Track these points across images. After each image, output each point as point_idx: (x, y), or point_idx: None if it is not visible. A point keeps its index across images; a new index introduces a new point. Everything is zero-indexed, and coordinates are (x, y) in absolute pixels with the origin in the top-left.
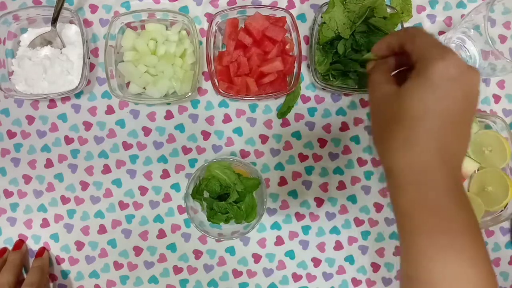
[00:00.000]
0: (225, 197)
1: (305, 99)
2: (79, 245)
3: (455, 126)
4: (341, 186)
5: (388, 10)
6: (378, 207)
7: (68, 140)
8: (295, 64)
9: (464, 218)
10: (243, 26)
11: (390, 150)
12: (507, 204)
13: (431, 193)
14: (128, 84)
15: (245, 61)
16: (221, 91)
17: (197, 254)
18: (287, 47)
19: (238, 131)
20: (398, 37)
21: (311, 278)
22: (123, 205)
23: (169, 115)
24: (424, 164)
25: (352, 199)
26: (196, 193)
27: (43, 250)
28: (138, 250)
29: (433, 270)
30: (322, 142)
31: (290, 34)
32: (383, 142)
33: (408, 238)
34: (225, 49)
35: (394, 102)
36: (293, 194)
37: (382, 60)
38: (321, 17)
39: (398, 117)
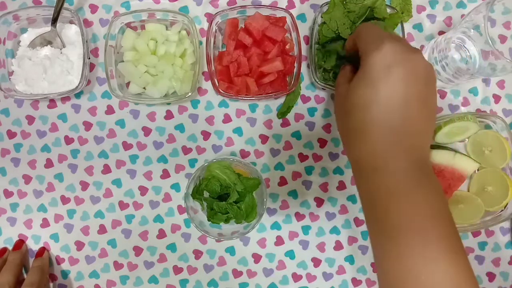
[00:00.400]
0: (225, 197)
1: (305, 99)
2: (79, 245)
3: (408, 108)
4: (341, 186)
5: (388, 10)
6: None
7: (68, 140)
8: (295, 64)
9: (432, 202)
10: (243, 26)
11: (349, 142)
12: (507, 204)
13: (391, 179)
14: (128, 84)
15: (245, 61)
16: (221, 91)
17: (197, 254)
18: (287, 47)
19: (238, 131)
20: (352, 35)
21: (311, 278)
22: (123, 205)
23: (169, 115)
24: (379, 151)
25: (352, 199)
26: (196, 193)
27: (43, 250)
28: (138, 250)
29: (398, 264)
30: (322, 142)
31: (290, 34)
32: (344, 136)
33: (373, 226)
34: (225, 49)
35: (345, 99)
36: (293, 194)
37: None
38: (321, 17)
39: (349, 112)
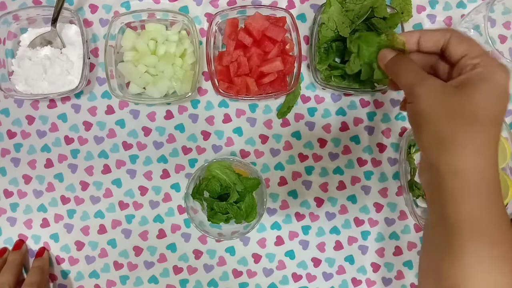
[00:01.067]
0: (225, 197)
1: (305, 99)
2: (79, 245)
3: (498, 130)
4: (341, 186)
5: (388, 10)
6: (378, 207)
7: (68, 140)
8: (295, 64)
9: (506, 228)
10: (243, 26)
11: (458, 150)
12: (507, 204)
13: (492, 204)
14: (128, 84)
15: (245, 61)
16: (221, 91)
17: (197, 254)
18: (287, 47)
19: (238, 131)
20: (444, 35)
21: (311, 278)
22: (123, 205)
23: (169, 115)
24: (488, 172)
25: (352, 199)
26: (196, 193)
27: (43, 250)
28: (138, 250)
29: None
30: (322, 142)
31: (290, 34)
32: (444, 138)
33: (459, 242)
34: (225, 49)
35: (455, 99)
36: (293, 194)
37: (406, 55)
38: (321, 17)
39: (469, 117)
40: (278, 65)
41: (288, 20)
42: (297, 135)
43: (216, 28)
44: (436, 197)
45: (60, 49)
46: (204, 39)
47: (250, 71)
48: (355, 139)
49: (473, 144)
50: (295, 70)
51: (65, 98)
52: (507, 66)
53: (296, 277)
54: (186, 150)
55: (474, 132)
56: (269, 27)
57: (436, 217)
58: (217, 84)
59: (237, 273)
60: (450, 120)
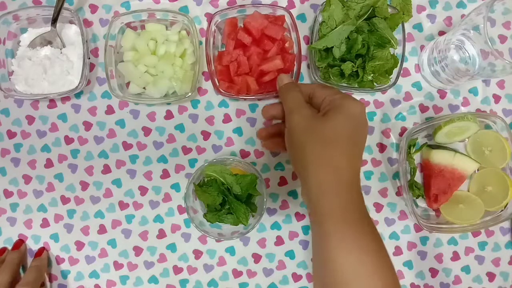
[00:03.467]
0: (225, 201)
1: None
2: (79, 245)
3: (354, 147)
4: None
5: (389, 10)
6: (378, 207)
7: (68, 140)
8: (295, 63)
9: (361, 213)
10: (242, 26)
11: (319, 167)
12: (507, 204)
13: (350, 198)
14: (128, 84)
15: (245, 60)
16: (222, 90)
17: (197, 254)
18: (286, 45)
19: (238, 131)
20: (308, 89)
21: (311, 278)
22: (123, 205)
23: (169, 115)
24: (345, 176)
25: None
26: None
27: (42, 250)
28: (138, 250)
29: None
30: None
31: (289, 33)
32: (303, 155)
33: (319, 227)
34: (224, 49)
35: (317, 125)
36: (293, 194)
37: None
38: (321, 15)
39: (328, 138)
40: (278, 63)
41: (287, 18)
42: None
43: (215, 28)
44: (310, 199)
45: (60, 49)
46: (204, 39)
47: (250, 70)
48: None
49: (331, 159)
50: (294, 68)
51: (65, 98)
52: (359, 100)
53: (296, 277)
54: (186, 150)
55: (331, 149)
56: (268, 26)
57: (312, 215)
58: (217, 84)
59: (237, 273)
60: (314, 143)
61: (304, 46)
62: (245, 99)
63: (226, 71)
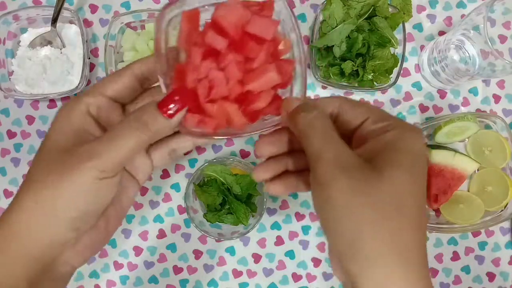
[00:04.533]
0: (225, 201)
1: None
2: None
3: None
4: None
5: (390, 9)
6: None
7: None
8: (297, 67)
9: None
10: (210, 21)
11: (370, 250)
12: (507, 204)
13: None
14: None
15: (220, 77)
16: (191, 130)
17: (197, 254)
18: (280, 47)
19: None
20: (333, 102)
21: (311, 278)
22: None
23: None
24: (405, 266)
25: None
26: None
27: None
28: (138, 250)
29: None
30: None
31: (284, 28)
32: (350, 232)
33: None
34: (185, 60)
35: (368, 186)
36: (293, 194)
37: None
38: (322, 14)
39: (376, 209)
40: (273, 76)
41: (278, 5)
42: None
43: (166, 26)
44: None
45: (60, 49)
46: None
47: (229, 92)
48: None
49: (397, 241)
50: (298, 76)
51: (65, 98)
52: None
53: (296, 277)
54: None
55: (395, 224)
56: (252, 20)
57: None
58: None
59: (237, 273)
60: (368, 215)
61: (304, 47)
62: (229, 138)
63: (193, 96)
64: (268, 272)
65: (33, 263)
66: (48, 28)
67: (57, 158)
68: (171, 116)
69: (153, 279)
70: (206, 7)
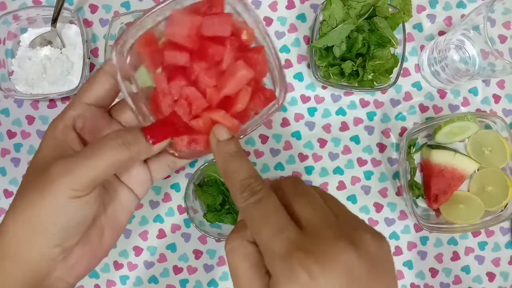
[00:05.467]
0: (225, 201)
1: (305, 99)
2: None
3: None
4: (341, 186)
5: (390, 9)
6: (378, 207)
7: None
8: (270, 55)
9: None
10: (164, 41)
11: None
12: (507, 204)
13: None
14: None
15: (194, 92)
16: (186, 153)
17: (197, 254)
18: (244, 37)
19: None
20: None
21: None
22: None
23: None
24: None
25: (352, 199)
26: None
27: None
28: (138, 250)
29: None
30: (322, 142)
31: (239, 14)
32: None
33: None
34: (152, 89)
35: None
36: None
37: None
38: (322, 14)
39: None
40: (244, 74)
41: None
42: (297, 135)
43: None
44: None
45: (60, 49)
46: None
47: (209, 102)
48: (355, 139)
49: None
50: (274, 70)
51: (65, 98)
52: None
53: None
54: None
55: None
56: (205, 22)
57: None
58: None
59: None
60: None
61: (304, 46)
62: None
63: (175, 119)
64: None
65: (27, 280)
66: (48, 28)
67: (39, 174)
68: (154, 143)
69: (153, 279)
70: (162, 23)
